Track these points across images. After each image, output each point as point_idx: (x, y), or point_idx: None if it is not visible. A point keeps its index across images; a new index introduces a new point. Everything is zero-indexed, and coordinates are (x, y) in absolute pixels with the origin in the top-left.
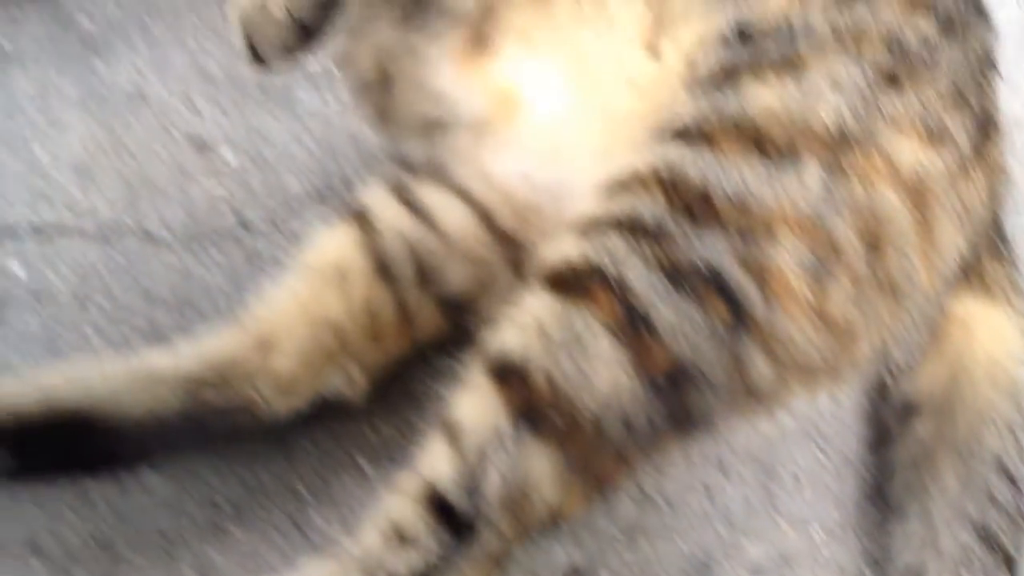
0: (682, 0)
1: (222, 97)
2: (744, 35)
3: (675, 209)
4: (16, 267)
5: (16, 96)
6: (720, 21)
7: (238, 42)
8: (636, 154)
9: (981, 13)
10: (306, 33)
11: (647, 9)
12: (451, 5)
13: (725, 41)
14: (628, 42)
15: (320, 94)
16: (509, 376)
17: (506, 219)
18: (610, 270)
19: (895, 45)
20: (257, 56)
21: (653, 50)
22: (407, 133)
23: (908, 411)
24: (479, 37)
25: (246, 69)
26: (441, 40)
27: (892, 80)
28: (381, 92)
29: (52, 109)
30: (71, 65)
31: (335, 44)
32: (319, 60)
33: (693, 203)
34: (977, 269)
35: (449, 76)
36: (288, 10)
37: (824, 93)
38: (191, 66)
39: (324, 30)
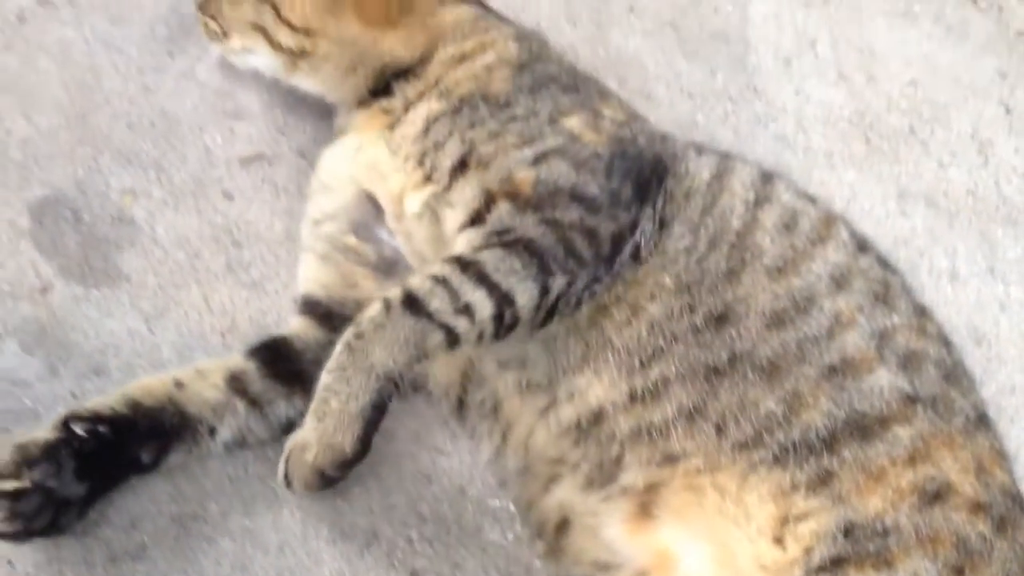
0: (803, 503)
1: (430, 533)
2: (848, 532)
3: None
4: None
5: (285, 534)
6: (831, 521)
7: (281, 470)
8: None
9: None
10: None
11: (776, 509)
12: (625, 480)
13: (834, 538)
14: (760, 532)
15: (502, 528)
16: None
17: None
18: None
19: (961, 544)
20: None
21: (779, 541)
22: (574, 570)
23: None
24: (645, 508)
25: (448, 511)
26: (615, 504)
27: (958, 573)
28: (557, 535)
29: (310, 545)
30: (323, 509)
31: (514, 488)
32: (501, 498)
33: None
34: None
35: (618, 532)
36: (315, 460)
37: None
38: (409, 507)
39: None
